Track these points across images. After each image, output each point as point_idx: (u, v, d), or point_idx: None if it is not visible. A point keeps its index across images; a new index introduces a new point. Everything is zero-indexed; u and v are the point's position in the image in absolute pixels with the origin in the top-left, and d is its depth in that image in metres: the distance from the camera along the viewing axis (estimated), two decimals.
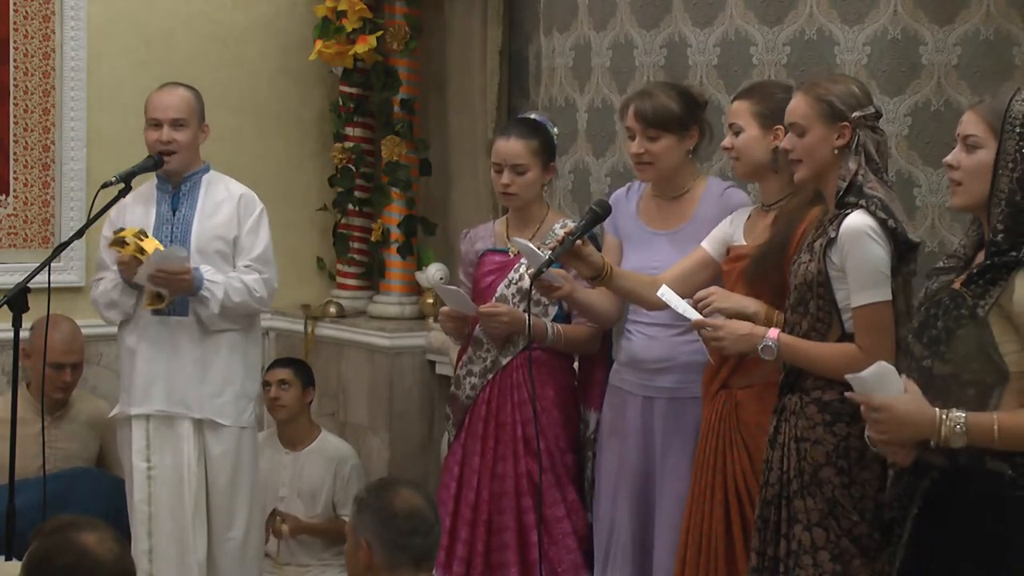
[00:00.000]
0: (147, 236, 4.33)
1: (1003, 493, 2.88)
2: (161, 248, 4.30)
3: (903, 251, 3.24)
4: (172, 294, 4.38)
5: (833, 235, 3.27)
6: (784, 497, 3.34)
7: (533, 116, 4.40)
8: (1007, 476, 2.88)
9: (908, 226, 3.28)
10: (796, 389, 3.36)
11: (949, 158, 3.00)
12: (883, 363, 2.97)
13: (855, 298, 3.24)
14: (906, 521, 3.07)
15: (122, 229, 4.37)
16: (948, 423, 2.85)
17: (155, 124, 4.46)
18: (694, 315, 3.51)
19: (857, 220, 3.24)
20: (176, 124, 4.46)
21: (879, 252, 3.22)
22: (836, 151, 3.34)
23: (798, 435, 3.32)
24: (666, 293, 3.55)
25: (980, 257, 2.98)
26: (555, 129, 4.33)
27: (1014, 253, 2.87)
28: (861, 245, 3.22)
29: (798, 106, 3.39)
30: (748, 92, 3.77)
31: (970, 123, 2.96)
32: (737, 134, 3.70)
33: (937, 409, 2.88)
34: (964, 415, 2.85)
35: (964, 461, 2.91)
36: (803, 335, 3.34)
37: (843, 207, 3.29)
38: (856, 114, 3.33)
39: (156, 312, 4.43)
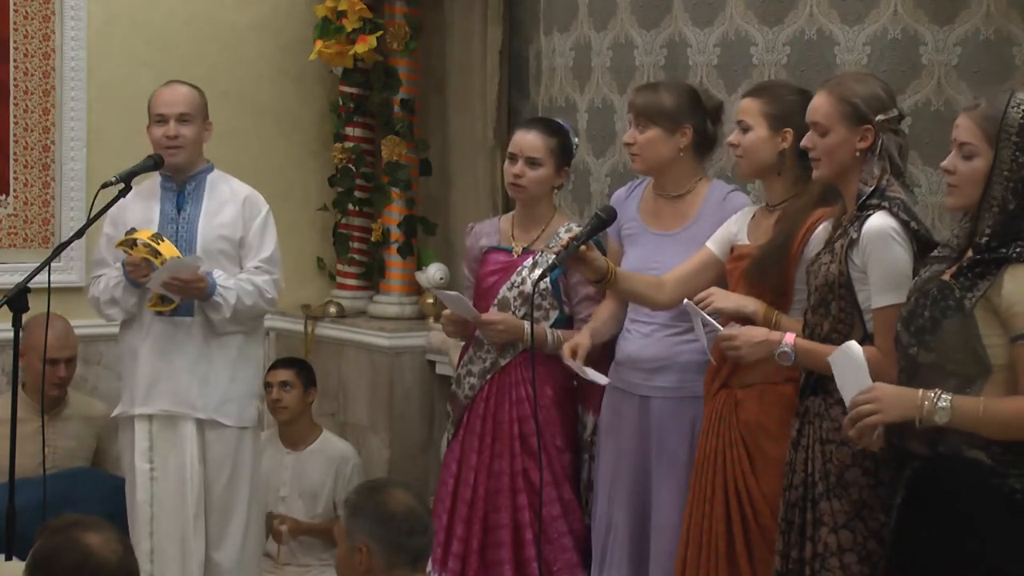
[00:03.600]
0: (163, 240, 4.32)
1: (980, 481, 2.93)
2: (178, 254, 4.30)
3: (924, 253, 3.23)
4: (184, 300, 4.39)
5: (855, 236, 3.27)
6: (809, 500, 3.33)
7: (559, 121, 4.43)
8: (984, 465, 2.92)
9: (931, 229, 3.30)
10: (819, 391, 3.35)
11: (946, 163, 3.03)
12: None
13: (876, 300, 3.24)
14: (892, 510, 3.13)
15: (134, 230, 4.37)
16: (931, 397, 2.90)
17: (160, 120, 4.46)
18: (718, 328, 3.50)
19: (880, 222, 3.24)
20: (182, 119, 4.46)
21: (902, 254, 3.22)
22: (858, 153, 3.34)
23: (823, 437, 3.32)
24: (691, 307, 3.54)
25: (971, 252, 3.02)
26: (576, 139, 4.36)
27: (1004, 250, 2.91)
28: (884, 247, 3.22)
29: (821, 105, 3.37)
30: (759, 91, 3.74)
31: (965, 130, 3.00)
32: (744, 132, 3.69)
33: (920, 390, 2.93)
34: (949, 395, 2.90)
35: (944, 450, 2.96)
36: (824, 337, 3.34)
37: (864, 209, 3.29)
38: (880, 117, 3.32)
39: (159, 313, 4.44)
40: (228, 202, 4.54)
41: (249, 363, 4.59)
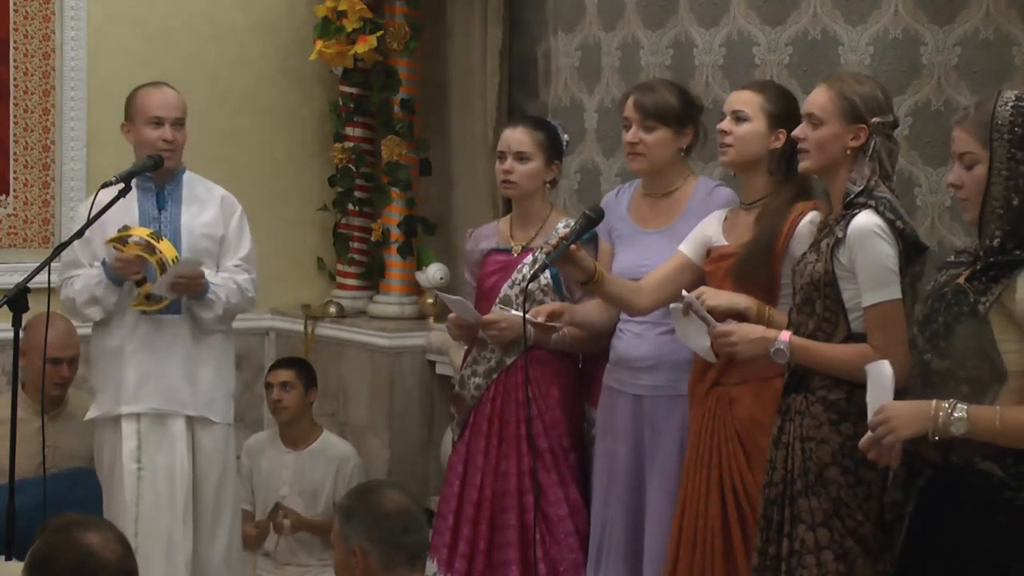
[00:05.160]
0: (162, 238, 4.33)
1: (993, 494, 2.91)
2: (175, 252, 4.31)
3: (911, 252, 3.24)
4: (183, 296, 4.40)
5: (840, 235, 3.27)
6: (788, 496, 3.33)
7: (546, 119, 4.44)
8: (996, 477, 2.90)
9: (931, 229, 3.30)
10: (801, 389, 3.35)
11: (952, 178, 3.03)
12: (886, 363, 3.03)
13: (866, 297, 3.24)
14: (903, 518, 3.12)
15: (127, 228, 4.36)
16: (946, 409, 2.87)
17: (157, 122, 4.46)
18: (715, 324, 3.49)
19: (865, 220, 3.24)
20: (177, 123, 4.48)
21: (888, 250, 3.22)
22: (848, 151, 3.34)
23: (803, 434, 3.31)
24: (692, 301, 3.53)
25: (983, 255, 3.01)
26: (565, 136, 4.36)
27: (1018, 252, 2.89)
28: (870, 244, 3.22)
29: (819, 98, 3.37)
30: (760, 87, 3.76)
31: (962, 141, 2.99)
32: (739, 121, 3.69)
33: (933, 401, 2.90)
34: (965, 405, 2.87)
35: (956, 461, 2.94)
36: (809, 335, 3.34)
37: (851, 208, 3.29)
38: (875, 119, 3.32)
39: (145, 312, 4.43)
40: (207, 202, 4.57)
41: (229, 362, 4.64)
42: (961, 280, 2.97)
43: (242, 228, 4.61)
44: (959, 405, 2.87)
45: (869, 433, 3.04)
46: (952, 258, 3.11)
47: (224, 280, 4.48)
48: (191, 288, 4.36)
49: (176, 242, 4.44)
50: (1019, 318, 2.87)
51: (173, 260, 4.30)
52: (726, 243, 3.73)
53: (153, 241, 4.29)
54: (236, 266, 4.55)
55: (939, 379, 2.95)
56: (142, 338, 4.46)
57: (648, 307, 3.84)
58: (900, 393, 3.11)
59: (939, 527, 2.99)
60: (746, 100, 3.70)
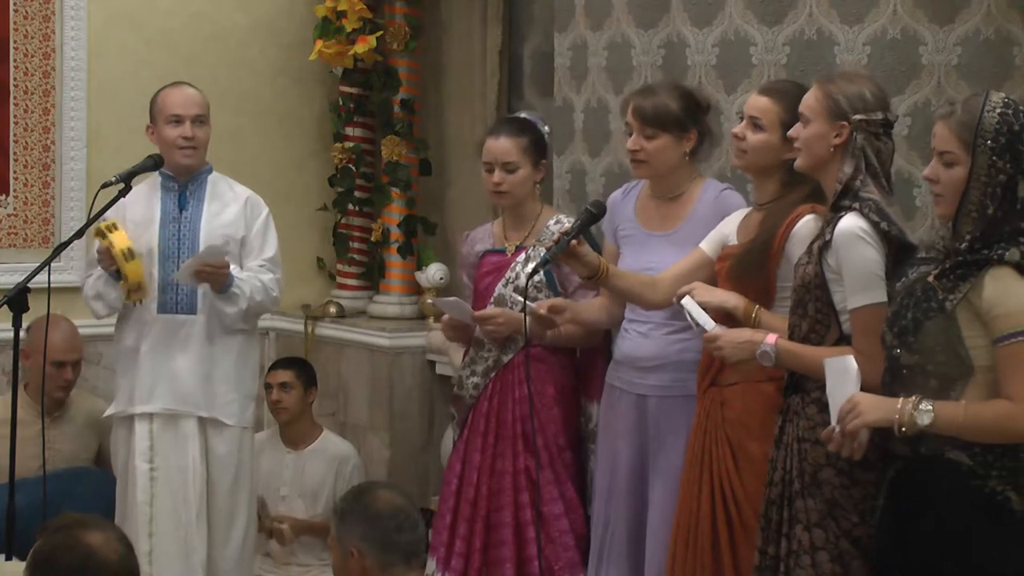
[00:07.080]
0: (133, 258, 4.32)
1: (962, 483, 2.96)
2: (129, 242, 4.31)
3: (899, 254, 3.24)
4: (210, 290, 4.41)
5: (828, 238, 3.28)
6: (787, 497, 3.35)
7: (523, 115, 4.45)
8: (965, 466, 2.95)
9: (905, 229, 3.30)
10: (799, 389, 3.38)
11: (928, 172, 3.06)
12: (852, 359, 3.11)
13: (851, 301, 3.25)
14: (869, 511, 3.18)
15: (115, 226, 4.35)
16: (913, 402, 2.94)
17: (177, 120, 4.47)
18: (712, 327, 3.50)
19: (849, 223, 3.24)
20: (197, 120, 4.48)
21: (872, 254, 3.22)
22: (832, 149, 3.34)
23: (800, 435, 3.34)
24: (688, 303, 3.54)
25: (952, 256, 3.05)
26: (546, 128, 4.35)
27: (986, 251, 2.94)
28: (854, 248, 3.23)
29: (809, 97, 3.39)
30: (779, 94, 3.69)
31: (943, 139, 3.01)
32: (756, 129, 3.66)
33: (900, 397, 2.97)
34: (930, 402, 2.93)
35: (926, 452, 2.99)
36: (803, 336, 3.36)
37: (838, 210, 3.30)
38: (857, 117, 3.31)
39: (162, 311, 4.44)
40: (230, 202, 4.57)
41: (248, 365, 4.62)
42: (931, 278, 3.01)
43: (267, 230, 4.60)
44: (924, 400, 2.94)
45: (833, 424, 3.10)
46: (922, 255, 3.14)
47: (248, 277, 4.48)
48: (215, 278, 4.35)
49: (194, 241, 4.47)
50: (985, 315, 2.92)
51: (122, 251, 4.28)
52: (736, 242, 3.74)
53: (108, 231, 4.28)
54: (260, 266, 4.54)
55: (908, 373, 3.01)
56: (158, 338, 4.47)
57: (663, 302, 3.83)
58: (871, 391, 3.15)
59: (911, 519, 3.04)
60: (763, 108, 3.65)
